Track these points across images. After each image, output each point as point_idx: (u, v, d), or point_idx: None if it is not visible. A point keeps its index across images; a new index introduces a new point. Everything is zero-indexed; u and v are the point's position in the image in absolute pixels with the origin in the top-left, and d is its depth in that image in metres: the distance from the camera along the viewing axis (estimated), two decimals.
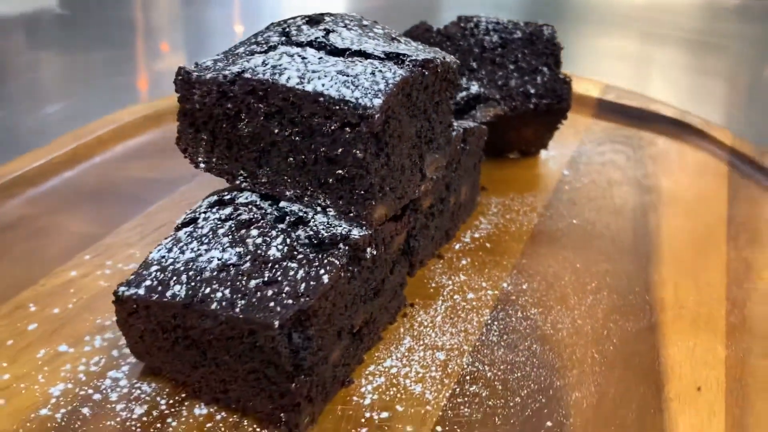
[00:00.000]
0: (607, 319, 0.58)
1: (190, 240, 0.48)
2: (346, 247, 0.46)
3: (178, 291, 0.45)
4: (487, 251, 0.67)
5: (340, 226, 0.48)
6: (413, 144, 0.52)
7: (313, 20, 0.55)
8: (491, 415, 0.48)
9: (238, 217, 0.49)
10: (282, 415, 0.46)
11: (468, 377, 0.51)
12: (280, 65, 0.48)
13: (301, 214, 0.49)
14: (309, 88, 0.46)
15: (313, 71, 0.47)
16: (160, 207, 0.71)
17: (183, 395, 0.49)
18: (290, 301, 0.43)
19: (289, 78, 0.47)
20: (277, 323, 0.42)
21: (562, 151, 0.87)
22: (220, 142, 0.51)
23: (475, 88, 0.71)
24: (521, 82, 0.72)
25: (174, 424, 0.46)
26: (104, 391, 0.49)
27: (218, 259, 0.46)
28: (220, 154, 0.51)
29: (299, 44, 0.51)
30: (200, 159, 0.52)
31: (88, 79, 1.14)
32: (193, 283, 0.45)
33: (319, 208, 0.49)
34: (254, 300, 0.44)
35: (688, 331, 0.57)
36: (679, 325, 0.57)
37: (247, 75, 0.48)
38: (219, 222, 0.49)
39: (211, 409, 0.48)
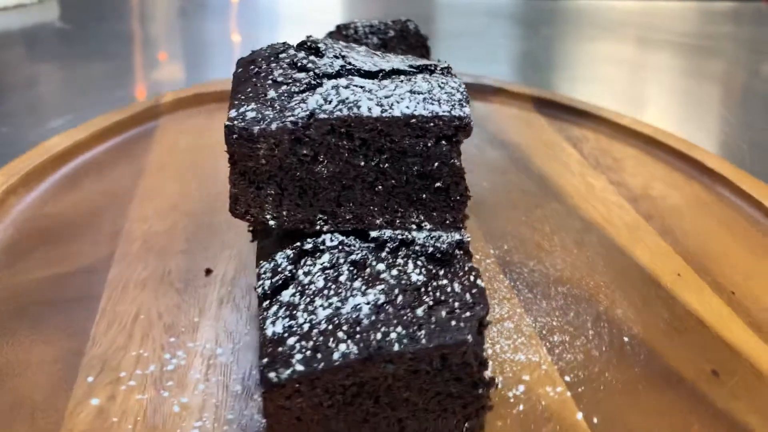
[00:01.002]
0: (582, 250, 0.70)
1: (307, 299, 0.45)
2: (461, 252, 0.49)
3: (347, 349, 0.43)
4: None
5: (442, 236, 0.50)
6: None
7: (309, 48, 0.53)
8: (587, 350, 0.56)
9: (347, 260, 0.47)
10: (466, 424, 0.47)
11: (543, 332, 0.58)
12: (347, 99, 0.47)
13: (400, 236, 0.49)
14: (397, 113, 0.46)
15: (386, 96, 0.47)
16: (111, 299, 0.61)
17: None
18: (468, 314, 0.45)
19: (369, 108, 0.46)
20: (470, 338, 0.44)
21: None
22: (291, 192, 0.48)
23: None
24: None
25: None
26: None
27: (366, 304, 0.45)
28: (290, 205, 0.48)
29: (334, 75, 0.50)
30: (268, 216, 0.48)
31: (88, 90, 1.12)
32: (357, 336, 0.43)
33: (413, 226, 0.50)
34: (433, 326, 0.44)
35: (634, 236, 0.72)
36: (625, 234, 0.72)
37: (323, 115, 0.46)
38: (328, 271, 0.47)
39: None
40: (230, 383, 0.52)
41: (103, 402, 0.50)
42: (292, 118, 0.46)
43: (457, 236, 0.50)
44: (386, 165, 0.48)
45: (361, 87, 0.48)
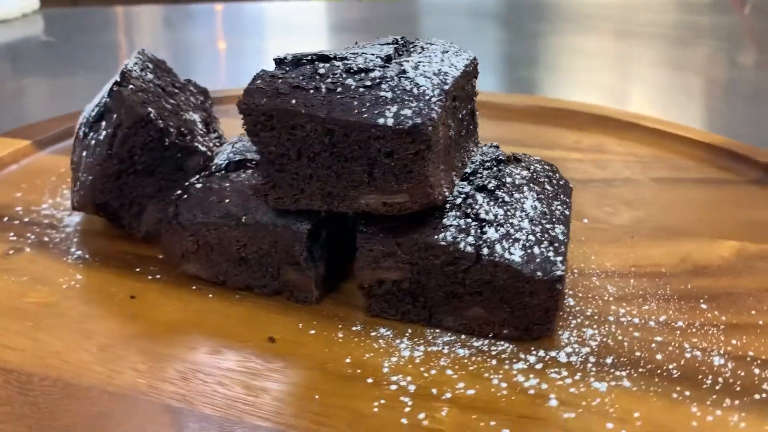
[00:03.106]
0: None
1: (508, 225, 0.55)
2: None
3: (560, 230, 0.57)
4: None
5: (484, 151, 0.64)
6: None
7: (335, 58, 0.56)
8: None
9: (488, 189, 0.58)
10: None
11: None
12: (434, 71, 0.55)
13: (474, 165, 0.62)
14: (461, 66, 0.58)
15: (441, 60, 0.57)
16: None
17: None
18: (557, 175, 0.64)
19: (450, 70, 0.56)
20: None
21: None
22: (442, 164, 0.54)
23: None
24: None
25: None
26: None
27: (533, 201, 0.58)
28: (446, 180, 0.55)
29: (383, 66, 0.55)
30: (446, 191, 0.54)
31: (75, 103, 0.98)
32: (553, 221, 0.58)
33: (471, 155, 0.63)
34: (561, 193, 0.62)
35: None
36: None
37: (447, 86, 0.54)
38: (491, 202, 0.57)
39: None
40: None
41: None
42: (434, 98, 0.52)
43: (487, 146, 0.66)
44: (463, 111, 0.59)
45: (420, 62, 0.57)
